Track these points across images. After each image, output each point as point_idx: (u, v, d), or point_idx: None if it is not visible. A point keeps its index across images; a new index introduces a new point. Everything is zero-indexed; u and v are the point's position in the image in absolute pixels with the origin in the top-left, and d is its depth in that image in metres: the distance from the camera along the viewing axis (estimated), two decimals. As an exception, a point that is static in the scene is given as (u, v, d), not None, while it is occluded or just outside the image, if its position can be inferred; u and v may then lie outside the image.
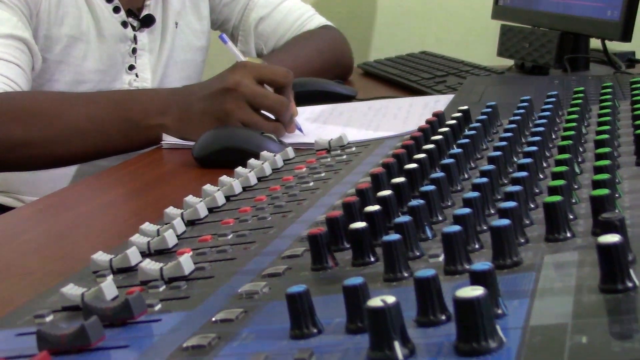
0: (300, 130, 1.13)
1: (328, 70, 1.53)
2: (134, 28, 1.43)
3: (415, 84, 1.46)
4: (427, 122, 0.75)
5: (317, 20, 1.63)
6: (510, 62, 1.63)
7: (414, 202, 0.50)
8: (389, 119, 1.19)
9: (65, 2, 1.34)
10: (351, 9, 2.17)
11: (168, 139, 1.12)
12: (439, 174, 0.55)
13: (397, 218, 0.47)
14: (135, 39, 1.43)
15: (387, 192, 0.53)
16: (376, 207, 0.50)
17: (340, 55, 1.62)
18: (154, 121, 1.11)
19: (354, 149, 0.82)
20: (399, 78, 1.54)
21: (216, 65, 1.73)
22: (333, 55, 1.59)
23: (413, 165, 0.59)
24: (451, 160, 0.59)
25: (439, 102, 1.26)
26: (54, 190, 1.44)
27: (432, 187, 0.52)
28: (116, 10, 1.40)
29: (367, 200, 0.55)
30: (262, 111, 1.09)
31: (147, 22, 1.44)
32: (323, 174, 0.73)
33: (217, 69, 1.82)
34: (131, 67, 1.43)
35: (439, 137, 0.67)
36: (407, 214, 0.48)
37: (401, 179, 0.56)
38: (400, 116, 1.20)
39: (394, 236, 0.44)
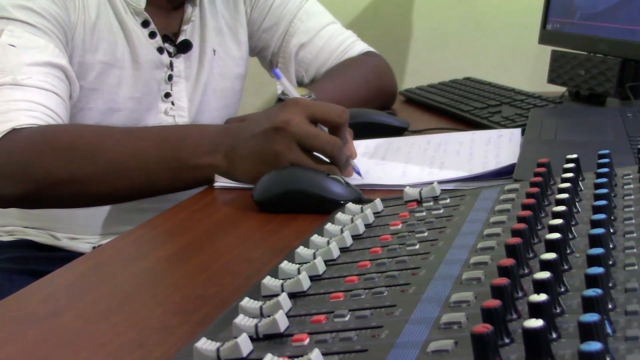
0: (358, 173, 1.05)
1: (373, 99, 1.46)
2: (170, 54, 1.36)
3: (467, 114, 1.39)
4: (537, 173, 0.68)
5: (360, 46, 1.56)
6: (558, 89, 1.56)
7: (591, 293, 0.42)
8: (451, 156, 1.12)
9: (100, 28, 1.28)
10: (385, 32, 2.11)
11: (221, 180, 1.05)
12: (597, 250, 0.48)
13: (583, 316, 0.39)
14: (171, 66, 1.36)
15: (545, 275, 0.45)
16: (543, 297, 0.43)
17: (385, 83, 1.54)
18: (204, 160, 1.03)
19: (448, 200, 0.75)
20: (448, 107, 1.47)
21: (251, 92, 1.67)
22: (378, 83, 1.51)
23: (556, 236, 0.52)
24: (600, 230, 0.52)
25: (502, 136, 1.19)
26: (88, 226, 1.37)
27: (600, 270, 0.45)
28: (152, 35, 1.33)
29: (515, 282, 0.48)
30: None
31: (184, 48, 1.38)
32: (426, 233, 0.66)
33: (249, 96, 1.75)
34: (167, 95, 1.37)
35: (565, 195, 0.60)
36: (586, 308, 0.41)
37: (551, 255, 0.48)
38: (464, 153, 1.13)
39: (594, 345, 0.36)
